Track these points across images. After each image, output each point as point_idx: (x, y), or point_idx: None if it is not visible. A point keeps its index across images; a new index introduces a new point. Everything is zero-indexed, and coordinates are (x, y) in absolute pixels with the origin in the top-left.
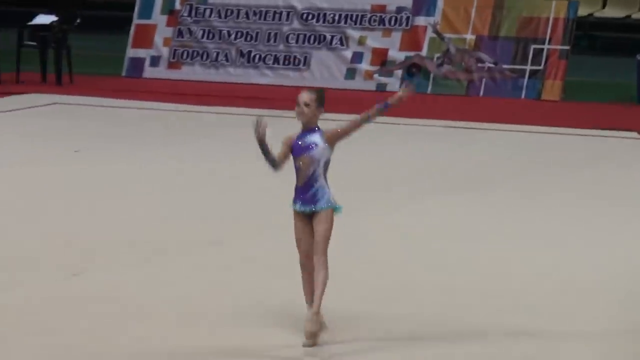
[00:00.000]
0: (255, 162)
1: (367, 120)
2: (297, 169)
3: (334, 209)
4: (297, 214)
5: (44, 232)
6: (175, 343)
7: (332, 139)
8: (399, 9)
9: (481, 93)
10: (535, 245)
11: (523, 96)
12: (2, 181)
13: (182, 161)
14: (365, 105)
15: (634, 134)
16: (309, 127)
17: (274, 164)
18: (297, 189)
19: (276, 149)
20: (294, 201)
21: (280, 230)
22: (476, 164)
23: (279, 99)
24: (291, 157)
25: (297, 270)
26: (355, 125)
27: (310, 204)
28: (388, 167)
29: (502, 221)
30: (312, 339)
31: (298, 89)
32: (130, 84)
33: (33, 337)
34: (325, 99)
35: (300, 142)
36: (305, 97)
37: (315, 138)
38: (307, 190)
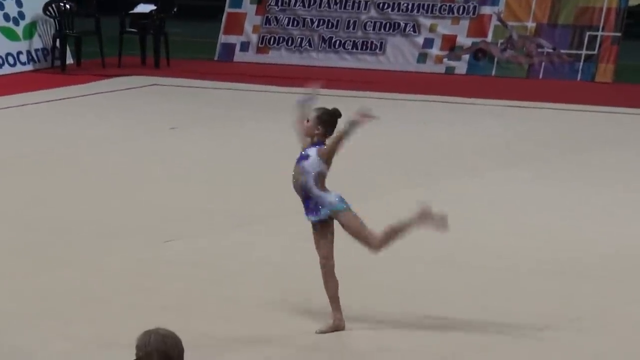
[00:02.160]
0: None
1: (342, 139)
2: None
3: (338, 209)
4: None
5: (140, 202)
6: (262, 302)
7: (324, 155)
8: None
9: (540, 75)
10: (589, 217)
11: (579, 78)
12: (105, 154)
13: (269, 137)
14: (434, 86)
15: None
16: (313, 142)
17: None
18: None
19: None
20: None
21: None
22: (536, 141)
23: (357, 81)
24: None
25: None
26: (335, 143)
27: (314, 213)
28: (456, 142)
29: (559, 194)
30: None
31: (375, 72)
32: (222, 67)
33: (130, 297)
34: (329, 122)
35: (302, 152)
36: (311, 113)
37: (311, 151)
38: (308, 201)
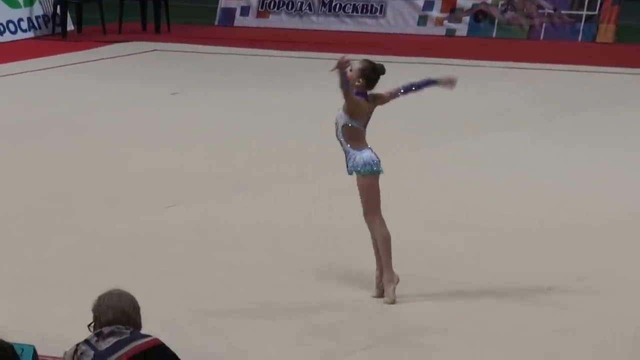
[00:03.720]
0: (335, 102)
1: (408, 91)
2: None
3: (363, 171)
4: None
5: (141, 168)
6: (263, 267)
7: (348, 109)
8: None
9: (541, 37)
10: (591, 178)
11: (580, 39)
12: (106, 121)
13: (270, 101)
14: (435, 49)
15: None
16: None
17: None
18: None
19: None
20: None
21: None
22: (537, 102)
23: (358, 44)
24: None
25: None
26: (391, 98)
27: (347, 165)
28: (457, 104)
29: (560, 154)
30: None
31: (375, 34)
32: (223, 32)
33: (132, 262)
34: (371, 78)
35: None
36: (356, 63)
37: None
38: (345, 152)
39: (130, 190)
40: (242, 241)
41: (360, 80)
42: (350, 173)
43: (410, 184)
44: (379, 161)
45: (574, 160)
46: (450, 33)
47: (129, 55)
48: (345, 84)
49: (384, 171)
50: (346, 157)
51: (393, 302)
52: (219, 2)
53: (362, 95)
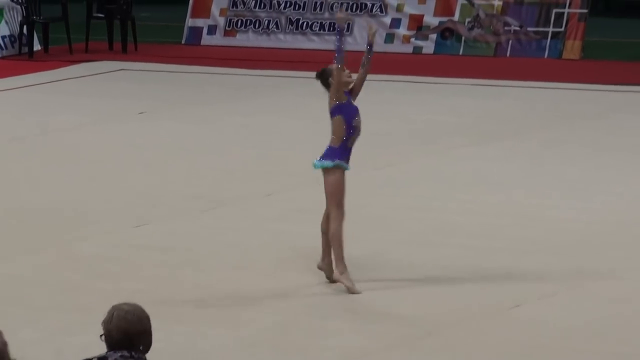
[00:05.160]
0: (303, 120)
1: (366, 72)
2: (355, 129)
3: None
4: (343, 172)
5: (110, 187)
6: (232, 285)
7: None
8: None
9: (508, 53)
10: (558, 194)
11: (546, 56)
12: (74, 140)
13: (238, 120)
14: (402, 66)
15: None
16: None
17: (341, 55)
18: (348, 149)
19: None
20: (347, 160)
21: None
22: (504, 118)
23: (325, 62)
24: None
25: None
26: (361, 81)
27: (348, 162)
28: (424, 121)
29: (528, 170)
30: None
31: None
32: (190, 51)
33: (100, 283)
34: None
35: (353, 102)
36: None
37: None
38: (350, 151)
39: (99, 210)
40: (211, 260)
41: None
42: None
43: (380, 201)
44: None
45: (542, 176)
46: (417, 51)
47: (96, 74)
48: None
49: (353, 188)
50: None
51: (354, 290)
52: (186, 21)
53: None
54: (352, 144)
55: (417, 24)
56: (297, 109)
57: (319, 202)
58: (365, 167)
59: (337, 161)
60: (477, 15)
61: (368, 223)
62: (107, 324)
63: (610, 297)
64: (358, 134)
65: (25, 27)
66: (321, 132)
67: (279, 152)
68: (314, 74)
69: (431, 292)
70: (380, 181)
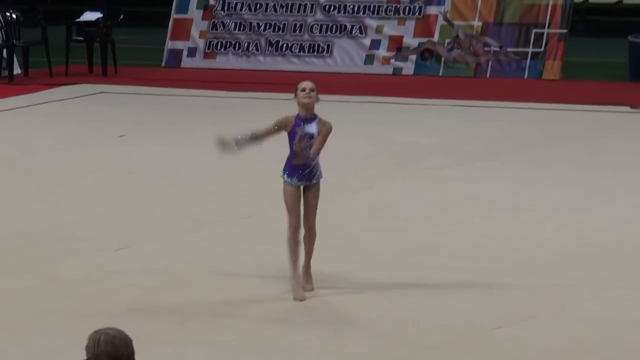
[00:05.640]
0: (284, 141)
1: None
2: (297, 152)
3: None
4: (291, 185)
5: (90, 210)
6: (214, 308)
7: (323, 135)
8: (413, 0)
9: (488, 74)
10: (539, 214)
11: (526, 76)
12: (55, 163)
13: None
14: (383, 87)
15: (626, 108)
16: (310, 114)
17: (255, 141)
18: (294, 166)
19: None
20: (290, 176)
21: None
22: (484, 139)
23: None
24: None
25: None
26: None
27: (307, 179)
28: (404, 142)
29: (509, 190)
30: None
31: (322, 74)
32: (170, 73)
33: (82, 306)
34: None
35: (297, 129)
36: (310, 84)
37: (313, 129)
38: (305, 169)
39: (80, 234)
40: (193, 283)
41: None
42: (316, 182)
43: (360, 224)
44: None
45: (522, 197)
46: (397, 72)
47: (76, 97)
48: (313, 154)
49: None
50: (309, 171)
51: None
52: (166, 43)
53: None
54: (299, 164)
55: (396, 45)
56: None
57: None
58: (344, 189)
59: (283, 175)
60: (457, 36)
61: (347, 245)
62: (94, 349)
63: (593, 318)
64: (302, 159)
65: (5, 50)
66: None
67: (259, 174)
68: (290, 95)
69: (412, 314)
70: (360, 203)
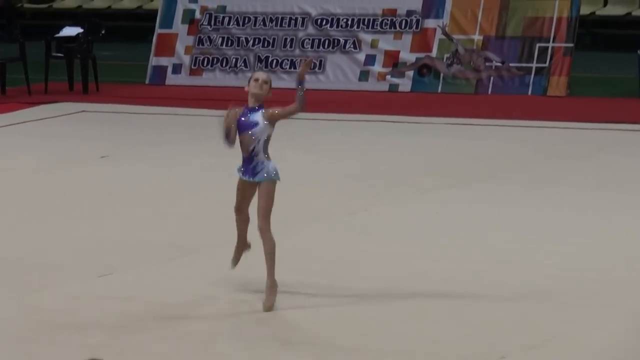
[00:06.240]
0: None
1: (298, 109)
2: (241, 143)
3: (274, 180)
4: (240, 178)
5: (71, 235)
6: (199, 336)
7: (273, 119)
8: (409, 12)
9: (489, 91)
10: (540, 238)
11: (530, 93)
12: (33, 185)
13: (204, 163)
14: (378, 105)
15: (637, 126)
16: (255, 105)
17: (231, 143)
18: (243, 159)
19: None
20: (239, 169)
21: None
22: (483, 159)
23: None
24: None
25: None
26: (291, 113)
27: (250, 175)
28: (400, 162)
29: (509, 213)
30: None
31: (314, 92)
32: (154, 91)
33: (61, 335)
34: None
35: (244, 119)
36: (264, 76)
37: (258, 117)
38: (249, 163)
39: (59, 259)
40: (179, 310)
41: (270, 91)
42: (259, 181)
43: (350, 248)
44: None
45: (522, 220)
46: (393, 88)
47: (55, 117)
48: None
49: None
50: (253, 166)
51: (270, 309)
52: (150, 59)
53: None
54: (245, 155)
55: (392, 60)
56: None
57: (289, 250)
58: (337, 211)
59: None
60: (456, 50)
61: (339, 271)
62: None
63: (596, 348)
64: (245, 149)
65: None
66: (287, 174)
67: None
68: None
69: (408, 344)
70: (353, 226)
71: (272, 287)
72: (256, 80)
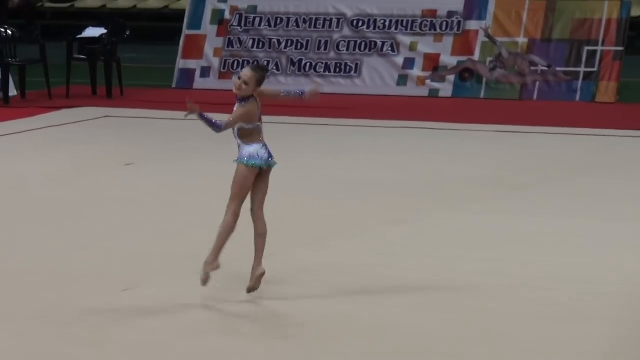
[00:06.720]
0: (299, 170)
1: (281, 97)
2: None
3: (242, 163)
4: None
5: (94, 246)
6: (222, 357)
7: (241, 119)
8: (450, 14)
9: (535, 97)
10: (590, 252)
11: (577, 99)
12: (54, 195)
13: (232, 171)
14: (417, 111)
15: None
16: (241, 97)
17: (218, 128)
18: None
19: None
20: None
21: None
22: (529, 168)
23: (330, 107)
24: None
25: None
26: (272, 98)
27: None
28: (440, 172)
29: (556, 225)
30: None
31: (350, 96)
32: (181, 95)
33: (80, 351)
34: (262, 80)
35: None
36: (246, 75)
37: (236, 107)
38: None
39: (81, 272)
40: (204, 327)
41: (257, 88)
42: (234, 162)
43: (393, 261)
44: (263, 158)
45: (571, 232)
46: (433, 94)
47: (77, 122)
48: (212, 125)
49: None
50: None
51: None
52: (177, 62)
53: (248, 98)
54: None
55: (432, 64)
56: (295, 158)
57: (322, 264)
58: (374, 223)
59: None
60: (500, 54)
61: (378, 286)
62: None
63: None
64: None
65: None
66: (325, 185)
67: (274, 206)
68: (316, 119)
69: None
70: (391, 239)
71: (261, 271)
72: (239, 78)
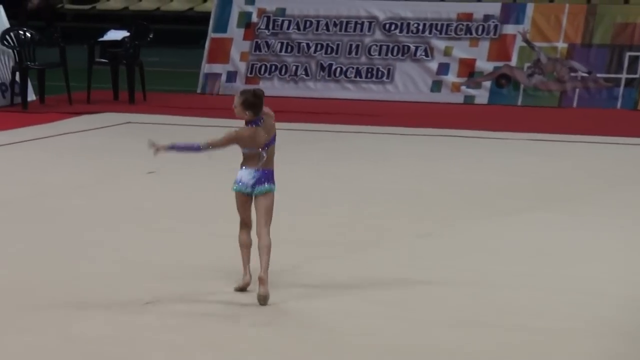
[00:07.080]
0: (332, 179)
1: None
2: (263, 158)
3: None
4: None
5: (115, 257)
6: None
7: (239, 144)
8: (487, 17)
9: (574, 104)
10: (632, 264)
11: (619, 106)
12: (74, 203)
13: None
14: (452, 119)
15: None
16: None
17: (197, 149)
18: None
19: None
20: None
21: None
22: (569, 179)
23: (362, 114)
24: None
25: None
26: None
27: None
28: (475, 181)
29: (597, 238)
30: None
31: (382, 103)
32: (206, 101)
33: None
34: (255, 104)
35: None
36: (235, 100)
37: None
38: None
39: (102, 284)
40: (229, 344)
41: (247, 112)
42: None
43: (425, 275)
44: (247, 184)
45: (613, 246)
46: (469, 100)
47: (98, 128)
48: (189, 149)
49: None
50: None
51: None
52: (202, 66)
53: (254, 122)
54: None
55: (468, 69)
56: (327, 167)
57: (354, 276)
58: (407, 234)
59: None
60: (538, 59)
61: (410, 300)
62: None
63: None
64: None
65: (18, 74)
66: (356, 194)
67: (304, 217)
68: (347, 127)
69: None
70: (424, 251)
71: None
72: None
